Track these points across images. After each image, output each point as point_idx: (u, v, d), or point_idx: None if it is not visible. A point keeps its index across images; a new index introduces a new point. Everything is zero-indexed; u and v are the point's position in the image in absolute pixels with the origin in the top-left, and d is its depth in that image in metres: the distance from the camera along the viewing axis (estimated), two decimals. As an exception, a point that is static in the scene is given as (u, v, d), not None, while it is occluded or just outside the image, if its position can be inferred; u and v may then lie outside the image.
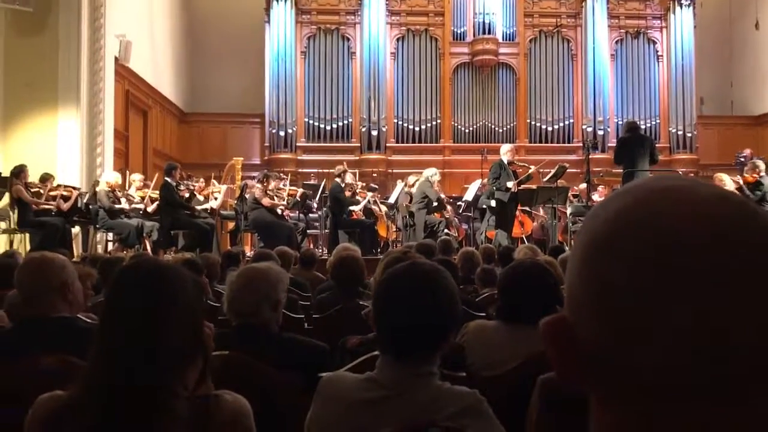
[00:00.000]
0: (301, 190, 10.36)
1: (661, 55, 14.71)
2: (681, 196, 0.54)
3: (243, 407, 1.36)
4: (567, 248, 7.09)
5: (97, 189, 8.94)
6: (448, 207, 10.79)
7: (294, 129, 13.93)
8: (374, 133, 13.83)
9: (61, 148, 9.75)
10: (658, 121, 14.56)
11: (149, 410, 1.22)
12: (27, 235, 8.59)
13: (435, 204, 9.91)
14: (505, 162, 9.25)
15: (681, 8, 14.44)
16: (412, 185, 10.51)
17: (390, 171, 13.75)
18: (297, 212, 10.16)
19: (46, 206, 8.47)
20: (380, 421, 1.41)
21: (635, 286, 0.51)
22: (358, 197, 10.42)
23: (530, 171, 9.45)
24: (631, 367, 0.52)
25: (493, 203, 9.35)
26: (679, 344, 0.50)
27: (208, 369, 1.35)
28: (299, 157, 13.91)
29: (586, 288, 0.55)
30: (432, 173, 9.98)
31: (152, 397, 1.23)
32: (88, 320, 2.47)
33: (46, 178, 8.67)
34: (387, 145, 13.98)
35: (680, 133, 14.31)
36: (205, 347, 1.34)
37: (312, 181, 11.67)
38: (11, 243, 8.62)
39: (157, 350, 1.26)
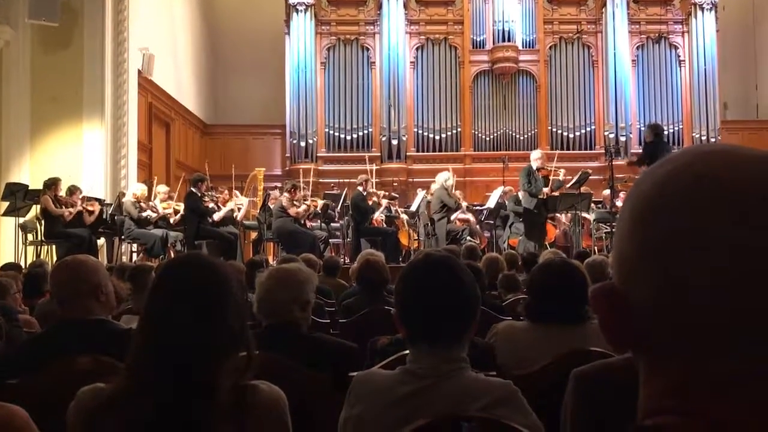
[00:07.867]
0: (321, 201, 10.38)
1: (683, 60, 14.59)
2: (731, 154, 0.54)
3: (278, 396, 1.38)
4: (593, 254, 7.03)
5: (123, 200, 9.04)
6: (470, 216, 10.74)
7: (315, 139, 14.00)
8: (394, 142, 13.85)
9: (86, 160, 9.87)
10: (681, 126, 14.42)
11: (194, 401, 1.24)
12: (53, 246, 8.71)
13: (454, 209, 9.81)
14: (534, 168, 9.18)
15: (703, 13, 14.31)
16: (433, 192, 10.46)
17: (411, 180, 13.75)
18: (319, 222, 10.19)
19: (68, 214, 8.52)
20: (418, 413, 1.41)
21: (699, 236, 0.51)
22: (377, 203, 10.40)
23: (560, 178, 9.42)
24: (693, 323, 0.51)
25: (521, 209, 9.30)
26: (746, 295, 0.49)
27: (252, 361, 1.36)
28: (320, 167, 13.96)
29: (640, 248, 0.54)
30: (445, 178, 9.81)
31: (198, 388, 1.25)
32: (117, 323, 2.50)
33: (73, 191, 8.79)
34: (407, 154, 13.98)
35: (704, 138, 14.15)
36: (248, 339, 1.37)
37: (333, 191, 11.71)
38: (38, 254, 8.74)
39: (205, 342, 1.28)
